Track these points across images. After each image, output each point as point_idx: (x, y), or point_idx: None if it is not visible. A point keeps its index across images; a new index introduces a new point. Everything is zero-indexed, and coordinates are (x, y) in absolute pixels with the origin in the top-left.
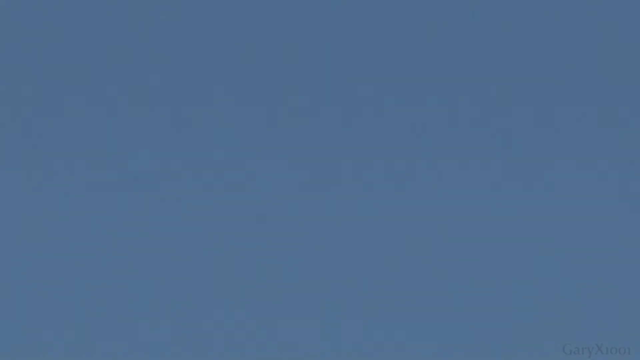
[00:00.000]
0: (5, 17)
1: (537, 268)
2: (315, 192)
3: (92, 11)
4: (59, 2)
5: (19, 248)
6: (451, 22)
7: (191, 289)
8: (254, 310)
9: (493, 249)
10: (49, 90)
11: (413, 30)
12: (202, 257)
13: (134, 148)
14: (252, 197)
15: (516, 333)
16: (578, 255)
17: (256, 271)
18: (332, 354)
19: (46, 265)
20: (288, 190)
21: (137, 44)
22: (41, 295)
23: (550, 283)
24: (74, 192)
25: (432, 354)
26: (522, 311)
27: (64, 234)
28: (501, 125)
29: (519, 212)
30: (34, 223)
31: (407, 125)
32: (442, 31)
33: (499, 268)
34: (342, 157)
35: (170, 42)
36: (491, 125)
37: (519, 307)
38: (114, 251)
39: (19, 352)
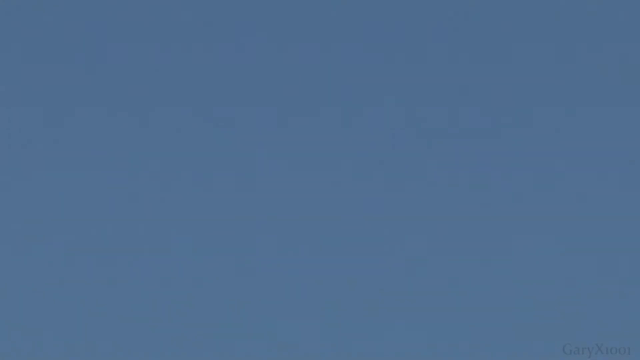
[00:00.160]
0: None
1: (537, 268)
2: (316, 193)
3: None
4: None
5: (20, 247)
6: (456, 23)
7: (191, 290)
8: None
9: (493, 249)
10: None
11: (414, 30)
12: (203, 257)
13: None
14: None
15: (516, 333)
16: (578, 255)
17: (259, 273)
18: (335, 354)
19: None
20: (291, 191)
21: (138, 44)
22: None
23: (550, 283)
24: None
25: (433, 354)
26: (522, 311)
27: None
28: (501, 125)
29: (520, 212)
30: (36, 222)
31: (407, 125)
32: (446, 32)
33: (499, 268)
34: (344, 156)
35: (171, 42)
36: (491, 125)
37: (519, 307)
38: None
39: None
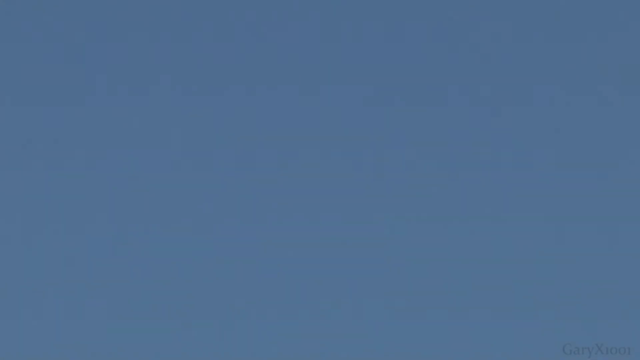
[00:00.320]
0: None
1: (538, 268)
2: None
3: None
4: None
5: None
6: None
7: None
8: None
9: (493, 249)
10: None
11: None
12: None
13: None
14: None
15: (516, 333)
16: (578, 255)
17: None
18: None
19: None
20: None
21: (140, 46)
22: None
23: (550, 283)
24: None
25: (433, 353)
26: (522, 311)
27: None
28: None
29: (520, 212)
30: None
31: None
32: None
33: (499, 268)
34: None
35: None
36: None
37: (519, 307)
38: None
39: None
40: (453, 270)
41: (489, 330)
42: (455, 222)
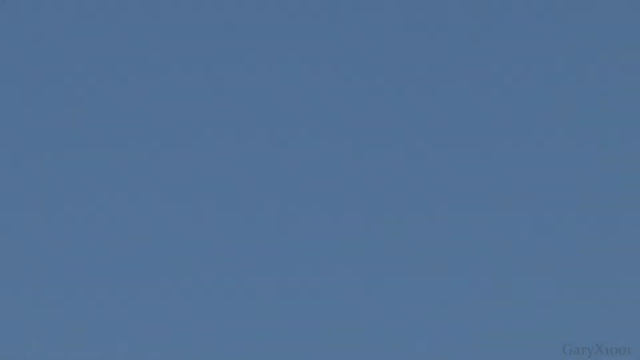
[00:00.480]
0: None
1: (538, 268)
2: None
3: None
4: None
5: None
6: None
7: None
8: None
9: (493, 249)
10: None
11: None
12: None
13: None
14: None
15: (516, 333)
16: (578, 256)
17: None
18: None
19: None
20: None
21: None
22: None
23: (550, 283)
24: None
25: (433, 353)
26: (522, 311)
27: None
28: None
29: (519, 212)
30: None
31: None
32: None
33: (499, 268)
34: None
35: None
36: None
37: (519, 307)
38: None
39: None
40: (453, 271)
41: (489, 330)
42: (455, 220)
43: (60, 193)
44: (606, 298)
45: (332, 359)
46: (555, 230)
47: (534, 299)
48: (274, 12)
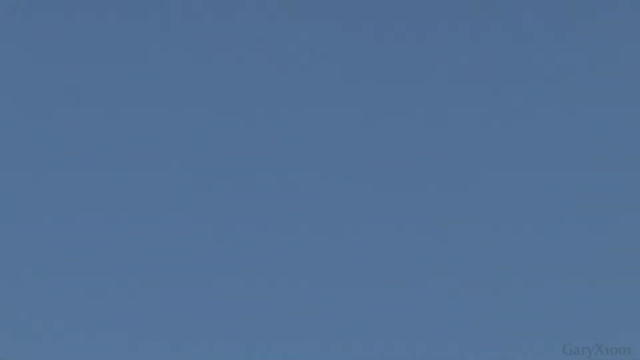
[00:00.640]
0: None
1: (538, 269)
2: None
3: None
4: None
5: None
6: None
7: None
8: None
9: (493, 249)
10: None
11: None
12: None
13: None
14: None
15: (516, 333)
16: (578, 256)
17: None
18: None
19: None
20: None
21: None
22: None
23: (550, 283)
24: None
25: (433, 353)
26: (522, 311)
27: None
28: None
29: (519, 212)
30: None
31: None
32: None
33: (500, 269)
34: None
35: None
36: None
37: (519, 307)
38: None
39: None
40: (453, 271)
41: (490, 330)
42: (455, 220)
43: (60, 193)
44: (606, 298)
45: (332, 359)
46: (555, 231)
47: (534, 299)
48: (274, 12)
